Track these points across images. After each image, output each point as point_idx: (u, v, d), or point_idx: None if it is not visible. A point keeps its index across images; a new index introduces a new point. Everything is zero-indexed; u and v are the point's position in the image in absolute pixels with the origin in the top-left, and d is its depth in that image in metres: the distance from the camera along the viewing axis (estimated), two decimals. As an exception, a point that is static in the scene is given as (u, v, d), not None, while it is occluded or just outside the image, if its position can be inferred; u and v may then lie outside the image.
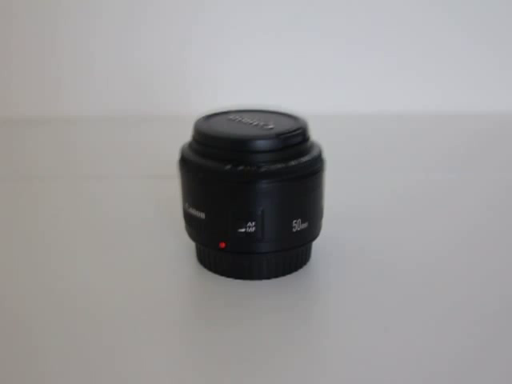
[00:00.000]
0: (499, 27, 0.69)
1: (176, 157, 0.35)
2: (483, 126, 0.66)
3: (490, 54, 0.69)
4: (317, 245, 0.37)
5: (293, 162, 0.32)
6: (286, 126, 0.34)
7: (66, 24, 0.68)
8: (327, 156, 0.35)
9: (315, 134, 0.36)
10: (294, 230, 0.33)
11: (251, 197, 0.32)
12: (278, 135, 0.32)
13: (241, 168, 0.32)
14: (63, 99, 0.70)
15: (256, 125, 0.34)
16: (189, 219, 0.35)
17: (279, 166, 0.32)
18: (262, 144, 0.32)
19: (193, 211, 0.34)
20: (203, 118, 0.36)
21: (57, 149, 0.61)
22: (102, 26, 0.68)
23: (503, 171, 0.54)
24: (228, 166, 0.32)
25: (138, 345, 0.30)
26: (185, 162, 0.34)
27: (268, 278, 0.35)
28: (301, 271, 0.36)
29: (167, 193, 0.44)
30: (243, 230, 0.33)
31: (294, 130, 0.33)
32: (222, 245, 0.33)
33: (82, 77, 0.70)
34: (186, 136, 0.35)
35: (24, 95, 0.70)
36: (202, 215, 0.33)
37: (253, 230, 0.33)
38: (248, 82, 0.70)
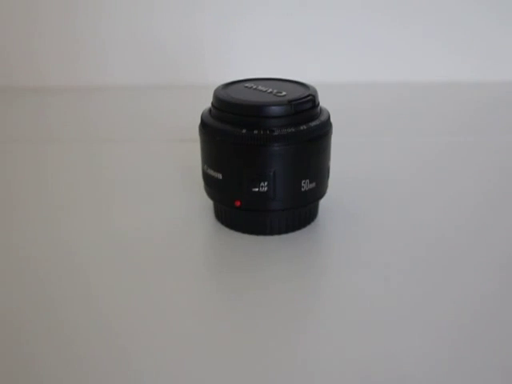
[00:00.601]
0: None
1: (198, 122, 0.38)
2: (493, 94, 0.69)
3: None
4: (324, 203, 0.40)
5: (303, 127, 0.35)
6: (297, 93, 0.36)
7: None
8: (334, 121, 0.38)
9: (323, 101, 0.38)
10: (303, 189, 0.36)
11: (264, 159, 0.34)
12: (290, 102, 0.35)
13: (255, 132, 0.34)
14: (96, 70, 0.75)
15: (270, 92, 0.36)
16: (207, 179, 0.38)
17: (290, 130, 0.34)
18: (275, 110, 0.34)
19: (211, 172, 0.37)
20: (222, 86, 0.38)
21: (85, 115, 0.64)
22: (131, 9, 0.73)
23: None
24: (244, 130, 0.34)
25: (160, 292, 0.32)
26: (204, 127, 0.37)
27: (279, 233, 0.38)
28: (309, 227, 0.39)
29: (190, 155, 0.47)
30: (257, 189, 0.35)
31: (305, 97, 0.35)
32: (238, 203, 0.36)
33: (114, 51, 0.74)
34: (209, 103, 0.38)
35: (53, 66, 0.74)
36: (220, 176, 0.36)
37: (265, 189, 0.35)
38: (264, 52, 0.73)
